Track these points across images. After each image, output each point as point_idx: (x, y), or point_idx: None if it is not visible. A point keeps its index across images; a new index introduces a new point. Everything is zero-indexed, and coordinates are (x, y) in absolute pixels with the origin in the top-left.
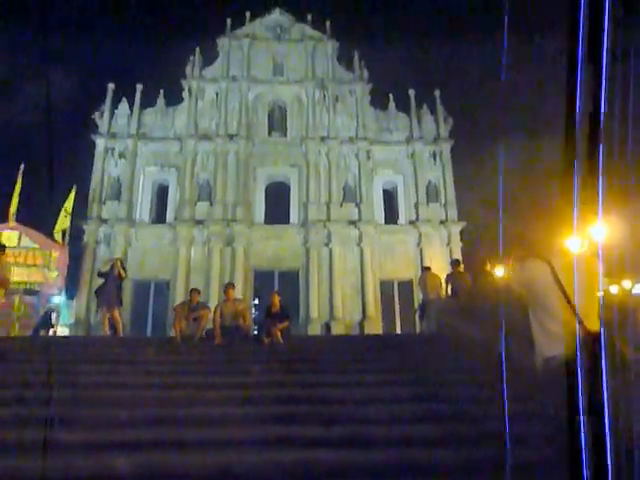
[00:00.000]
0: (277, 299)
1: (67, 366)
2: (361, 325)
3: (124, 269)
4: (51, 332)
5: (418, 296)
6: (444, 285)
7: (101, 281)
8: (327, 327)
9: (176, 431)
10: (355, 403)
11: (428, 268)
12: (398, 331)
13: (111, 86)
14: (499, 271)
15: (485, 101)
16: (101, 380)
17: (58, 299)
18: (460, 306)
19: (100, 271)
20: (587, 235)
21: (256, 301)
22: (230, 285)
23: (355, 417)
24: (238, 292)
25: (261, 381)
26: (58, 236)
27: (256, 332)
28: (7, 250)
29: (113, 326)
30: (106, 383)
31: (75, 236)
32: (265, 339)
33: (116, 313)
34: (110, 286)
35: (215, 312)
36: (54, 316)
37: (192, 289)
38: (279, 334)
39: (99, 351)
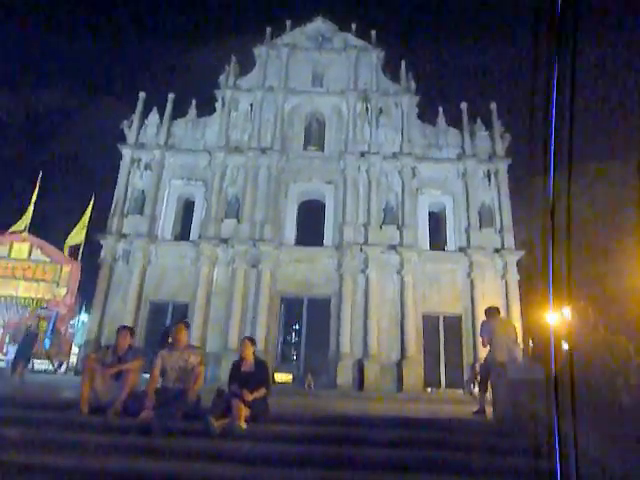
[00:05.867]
0: (250, 350)
1: None
2: (399, 366)
3: None
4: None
5: (468, 335)
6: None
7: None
8: (359, 366)
9: None
10: None
11: (496, 310)
12: (442, 377)
13: (142, 95)
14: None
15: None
16: None
17: (77, 317)
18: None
19: None
20: None
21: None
22: (182, 324)
23: None
24: (262, 320)
25: None
26: (66, 248)
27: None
28: (15, 263)
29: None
30: None
31: (93, 251)
32: (215, 422)
33: None
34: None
35: (154, 367)
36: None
37: (120, 327)
38: (243, 413)
39: None
